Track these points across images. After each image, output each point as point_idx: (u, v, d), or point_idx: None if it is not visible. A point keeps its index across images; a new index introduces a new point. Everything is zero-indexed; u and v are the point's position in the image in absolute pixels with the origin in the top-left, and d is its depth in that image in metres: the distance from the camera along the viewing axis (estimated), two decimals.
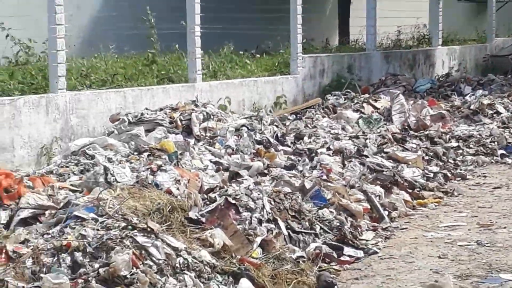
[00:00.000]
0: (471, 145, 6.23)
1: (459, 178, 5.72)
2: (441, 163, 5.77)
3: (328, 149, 5.42)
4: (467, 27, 13.37)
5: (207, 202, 3.56)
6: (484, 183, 5.67)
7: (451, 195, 5.21)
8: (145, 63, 7.04)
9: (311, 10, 11.54)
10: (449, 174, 5.65)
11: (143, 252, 2.64)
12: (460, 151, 6.15)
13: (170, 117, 5.56)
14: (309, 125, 6.42)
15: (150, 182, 3.81)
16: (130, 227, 2.72)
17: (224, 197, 3.58)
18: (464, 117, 7.21)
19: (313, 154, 5.20)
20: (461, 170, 5.87)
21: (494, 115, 7.26)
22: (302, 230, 3.76)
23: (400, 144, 5.79)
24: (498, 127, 6.82)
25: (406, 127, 6.55)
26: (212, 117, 5.87)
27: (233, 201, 3.57)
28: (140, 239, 2.67)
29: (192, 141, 5.31)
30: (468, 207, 4.97)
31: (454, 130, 6.63)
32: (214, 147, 5.10)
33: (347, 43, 10.89)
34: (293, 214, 3.86)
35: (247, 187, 3.90)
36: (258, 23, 9.22)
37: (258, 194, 3.79)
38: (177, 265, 2.79)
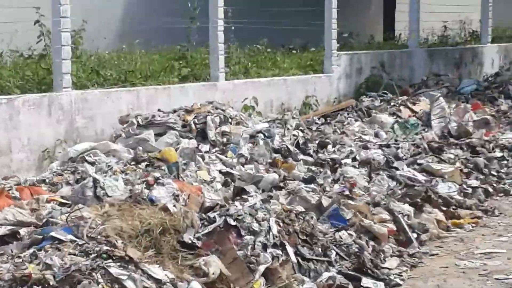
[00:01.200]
0: None
1: (502, 194, 5.25)
2: (482, 177, 5.29)
3: (354, 159, 4.99)
4: None
5: (205, 223, 3.20)
6: None
7: (491, 214, 4.80)
8: (174, 57, 6.73)
9: (356, 3, 11.29)
10: (490, 189, 5.16)
11: (116, 286, 2.34)
12: (505, 162, 5.66)
13: (184, 120, 5.23)
14: (338, 130, 5.97)
15: (144, 197, 3.51)
16: (104, 255, 2.42)
17: (223, 217, 3.23)
18: (510, 124, 6.64)
19: (337, 165, 4.81)
20: (504, 184, 5.37)
21: None
22: (314, 257, 3.38)
23: (436, 155, 5.30)
24: None
25: (446, 134, 6.05)
26: (230, 120, 5.50)
27: (234, 223, 3.20)
28: (115, 270, 2.36)
29: (207, 147, 5.02)
30: (510, 229, 4.52)
31: (499, 138, 6.09)
32: (227, 155, 4.72)
33: (392, 39, 10.36)
34: (304, 238, 3.47)
35: (252, 206, 3.54)
36: (297, 17, 8.84)
37: (265, 215, 3.45)
38: None
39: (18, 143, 4.08)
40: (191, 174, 4.28)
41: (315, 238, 3.47)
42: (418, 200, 4.40)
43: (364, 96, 7.36)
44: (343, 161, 4.87)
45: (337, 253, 3.46)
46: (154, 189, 3.69)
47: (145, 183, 3.79)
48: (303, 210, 3.69)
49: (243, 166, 4.56)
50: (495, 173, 5.40)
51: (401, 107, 6.66)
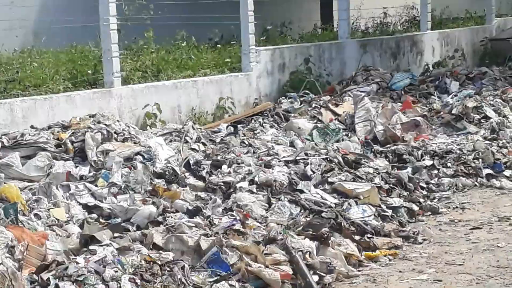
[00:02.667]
0: (449, 164, 5.11)
1: (429, 213, 4.61)
2: (406, 193, 4.65)
3: (252, 182, 4.27)
4: (463, 5, 11.93)
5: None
6: (460, 221, 4.53)
7: (413, 242, 4.12)
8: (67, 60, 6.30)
9: None
10: (415, 208, 4.53)
11: None
12: (435, 171, 5.04)
13: (58, 139, 4.64)
14: (245, 141, 5.23)
15: None
16: None
17: (58, 279, 2.83)
18: (445, 124, 6.11)
19: (231, 190, 4.14)
20: (433, 199, 4.82)
21: (482, 120, 6.09)
22: None
23: (351, 171, 4.62)
24: (485, 137, 5.69)
25: (369, 141, 5.44)
26: (116, 136, 4.82)
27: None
28: None
29: (87, 169, 4.44)
30: (432, 263, 3.86)
31: (428, 144, 5.50)
32: (97, 184, 4.08)
33: (330, 30, 9.72)
34: None
35: (101, 260, 3.01)
36: (223, 8, 8.09)
37: (115, 272, 2.93)
38: None
39: None
40: (43, 215, 3.70)
41: None
42: (326, 230, 3.74)
43: (283, 98, 6.71)
44: (238, 185, 4.20)
45: None
46: None
47: None
48: (170, 259, 3.14)
49: (115, 197, 4.03)
50: (424, 185, 4.81)
51: (322, 110, 6.02)
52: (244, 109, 6.86)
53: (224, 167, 4.53)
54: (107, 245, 3.21)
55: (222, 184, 4.23)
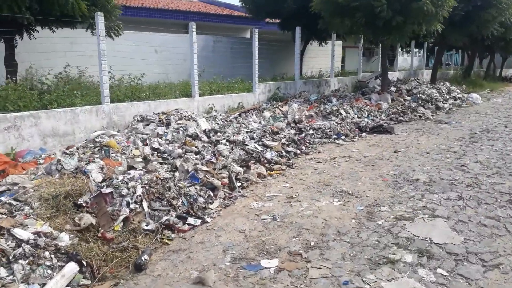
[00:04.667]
0: (319, 133, 8.29)
1: (304, 154, 7.00)
2: (295, 145, 7.24)
3: (227, 140, 6.58)
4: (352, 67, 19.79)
5: (98, 189, 3.81)
6: (315, 158, 6.78)
7: (290, 167, 6.11)
8: None
9: (284, 57, 17.91)
10: (298, 152, 6.96)
11: None
12: (314, 135, 8.12)
13: (159, 118, 7.43)
14: (240, 121, 8.35)
15: (82, 170, 4.17)
16: None
17: (104, 186, 3.82)
18: (323, 117, 9.58)
19: (217, 144, 6.34)
20: (306, 149, 7.19)
21: (339, 115, 9.59)
22: (160, 208, 3.86)
23: (272, 136, 7.30)
24: (337, 123, 8.94)
25: (291, 122, 8.71)
26: (184, 117, 7.67)
27: (108, 190, 3.76)
28: None
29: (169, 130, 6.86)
30: (293, 178, 5.61)
31: (312, 124, 8.63)
32: (162, 139, 6.53)
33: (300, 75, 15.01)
34: (158, 196, 3.96)
35: (131, 178, 4.12)
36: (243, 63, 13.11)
37: (135, 183, 4.02)
38: (11, 256, 2.77)
39: None
40: (128, 153, 5.46)
41: (166, 195, 3.98)
42: (253, 161, 5.72)
43: (265, 103, 10.66)
44: (221, 141, 6.47)
45: (182, 202, 4.02)
46: (89, 165, 4.44)
47: (88, 160, 4.58)
48: (168, 176, 4.39)
49: (168, 145, 6.06)
50: (308, 141, 7.61)
51: (277, 109, 9.68)
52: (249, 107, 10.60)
53: (218, 134, 6.88)
54: (140, 170, 4.52)
55: (214, 141, 6.42)
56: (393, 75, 19.49)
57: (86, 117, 7.17)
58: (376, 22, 11.13)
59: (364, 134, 9.09)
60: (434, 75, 17.81)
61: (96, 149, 5.50)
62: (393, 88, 14.44)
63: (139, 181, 4.10)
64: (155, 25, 16.21)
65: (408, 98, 13.14)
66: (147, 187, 3.97)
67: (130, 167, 4.66)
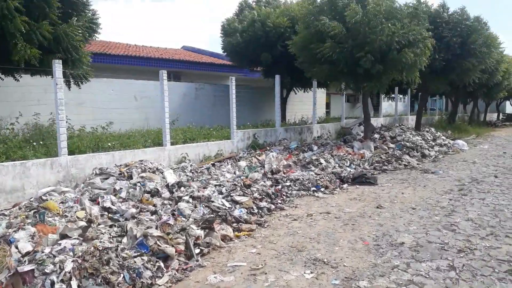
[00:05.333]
0: (297, 184, 7.72)
1: (279, 209, 6.46)
2: (269, 200, 6.65)
3: (191, 196, 5.94)
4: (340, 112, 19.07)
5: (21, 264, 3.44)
6: (290, 215, 6.20)
7: (262, 226, 5.62)
8: None
9: (268, 104, 17.05)
10: (272, 207, 6.41)
11: None
12: (291, 188, 7.55)
13: (120, 171, 6.87)
14: (212, 172, 7.82)
15: (7, 239, 3.80)
16: None
17: (26, 261, 3.48)
18: (302, 166, 9.02)
19: (179, 201, 5.86)
20: (281, 203, 6.62)
21: (319, 164, 9.07)
22: (94, 287, 3.47)
23: (244, 189, 6.68)
24: (316, 173, 8.39)
25: (268, 172, 8.15)
26: (149, 169, 7.08)
27: (28, 268, 3.40)
28: None
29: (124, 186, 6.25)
30: (263, 241, 5.11)
31: (290, 175, 8.06)
32: (116, 197, 5.93)
33: (283, 122, 15.19)
34: (92, 271, 3.59)
35: (61, 249, 3.77)
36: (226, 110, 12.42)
37: (64, 256, 3.63)
38: None
39: None
40: (70, 215, 4.87)
41: (102, 270, 3.59)
42: (218, 221, 5.22)
43: (242, 151, 10.12)
44: (184, 197, 5.88)
45: (123, 277, 3.64)
46: (17, 232, 3.98)
47: (18, 227, 4.18)
48: (109, 246, 3.96)
49: (121, 203, 5.52)
50: (285, 194, 7.04)
51: (253, 157, 9.16)
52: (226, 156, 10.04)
53: (182, 189, 6.32)
54: (76, 238, 4.00)
55: (176, 197, 5.87)
56: (377, 121, 19.19)
57: (38, 171, 6.59)
58: (356, 70, 10.91)
59: (345, 185, 8.51)
60: (418, 121, 17.52)
61: (32, 211, 4.91)
62: (376, 135, 14.02)
63: (71, 253, 3.69)
64: (138, 72, 16.22)
65: (392, 145, 12.64)
66: (79, 261, 3.56)
67: (63, 236, 4.16)
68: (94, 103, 12.47)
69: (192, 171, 7.98)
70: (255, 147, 11.04)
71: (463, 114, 28.75)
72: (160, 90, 8.91)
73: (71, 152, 7.37)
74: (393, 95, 22.01)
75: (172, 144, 9.06)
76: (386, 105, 30.64)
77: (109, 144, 8.21)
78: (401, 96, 25.16)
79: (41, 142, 7.59)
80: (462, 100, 26.11)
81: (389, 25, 10.42)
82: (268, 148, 10.95)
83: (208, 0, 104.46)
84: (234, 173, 8.11)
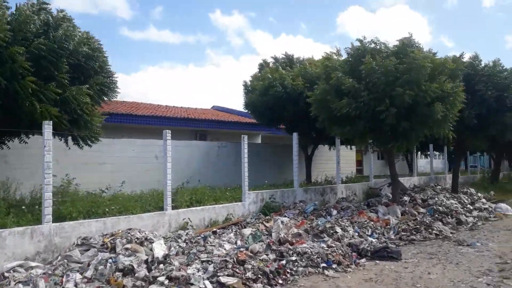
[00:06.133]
0: (304, 259, 6.58)
1: None
2: (266, 280, 5.69)
3: (168, 277, 5.24)
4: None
5: None
6: None
7: None
8: None
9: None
10: None
11: None
12: (297, 263, 6.41)
13: (103, 242, 6.34)
14: (209, 242, 6.83)
15: None
16: None
17: None
18: (314, 235, 7.90)
19: (153, 282, 5.12)
20: (282, 284, 5.71)
21: (334, 233, 7.93)
22: None
23: (236, 267, 5.76)
24: (328, 246, 7.25)
25: (276, 241, 7.15)
26: (135, 240, 6.43)
27: None
28: None
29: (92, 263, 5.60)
30: None
31: (297, 247, 6.90)
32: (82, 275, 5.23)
33: (308, 182, 14.78)
34: None
35: None
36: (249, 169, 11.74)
37: None
38: None
39: None
40: None
41: None
42: None
43: (254, 215, 9.22)
44: (159, 278, 5.20)
45: None
46: None
47: None
48: None
49: (85, 285, 5.04)
50: (289, 271, 6.04)
51: (260, 224, 8.17)
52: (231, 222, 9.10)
53: (161, 265, 5.59)
54: None
55: (151, 278, 5.19)
56: (411, 181, 17.70)
57: (16, 241, 6.01)
58: (380, 127, 10.02)
59: (363, 260, 7.26)
60: (455, 182, 15.90)
61: None
62: (406, 198, 12.59)
63: None
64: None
65: (422, 210, 11.20)
66: None
67: None
68: (113, 164, 12.26)
69: (187, 240, 7.13)
70: (265, 211, 10.09)
71: (508, 172, 26.32)
72: (163, 151, 8.44)
73: (63, 218, 6.85)
74: (428, 152, 20.49)
75: (174, 208, 8.37)
76: (424, 162, 28.79)
77: (106, 209, 7.60)
78: (437, 153, 23.51)
79: (31, 207, 7.07)
80: (507, 156, 24.00)
81: (423, 81, 9.64)
82: (283, 211, 9.92)
83: (251, 63, 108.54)
84: (236, 243, 7.19)
